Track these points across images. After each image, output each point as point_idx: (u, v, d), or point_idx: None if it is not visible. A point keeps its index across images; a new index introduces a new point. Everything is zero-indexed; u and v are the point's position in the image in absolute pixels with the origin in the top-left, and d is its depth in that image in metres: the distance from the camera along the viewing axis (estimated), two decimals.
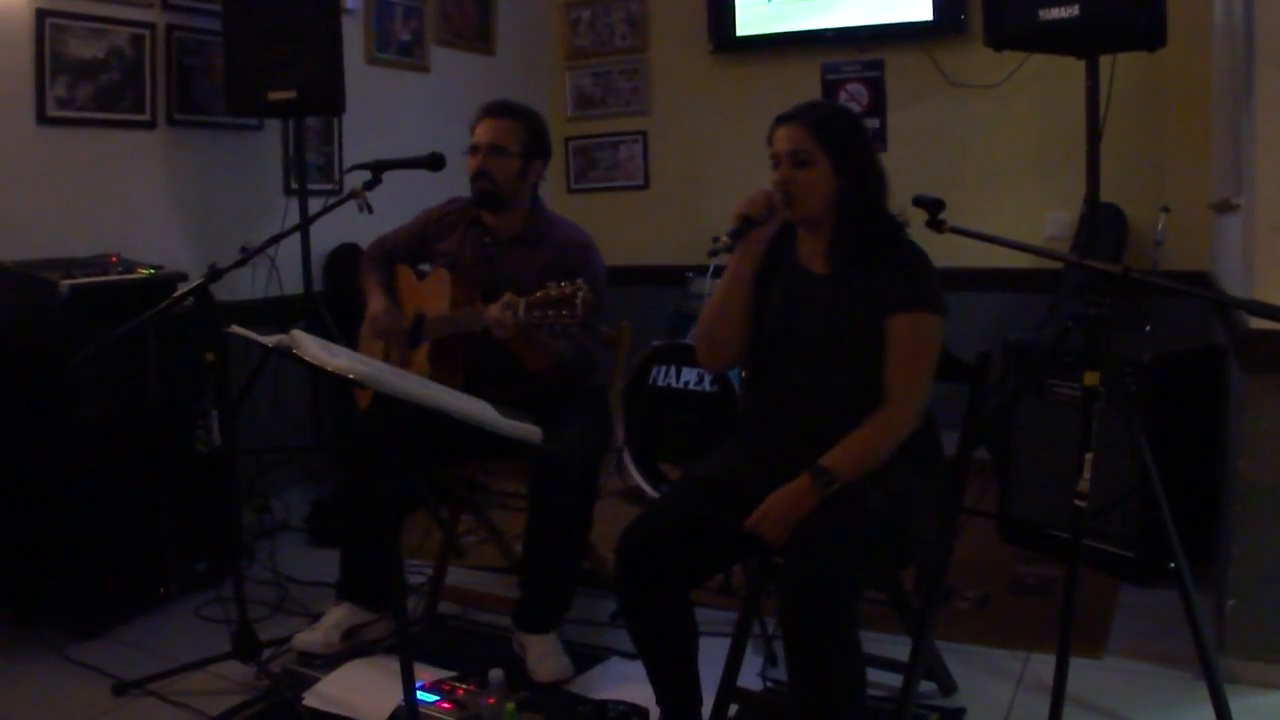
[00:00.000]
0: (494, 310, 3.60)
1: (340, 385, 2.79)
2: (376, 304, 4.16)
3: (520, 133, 4.08)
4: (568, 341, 3.86)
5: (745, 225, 3.03)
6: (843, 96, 6.78)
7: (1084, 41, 3.98)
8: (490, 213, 4.12)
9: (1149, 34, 3.94)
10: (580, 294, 3.41)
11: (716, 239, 3.03)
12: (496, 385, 3.68)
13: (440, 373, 3.89)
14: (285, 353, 2.81)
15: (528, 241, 4.10)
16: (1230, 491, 3.71)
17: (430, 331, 3.99)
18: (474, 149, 4.07)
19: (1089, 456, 3.04)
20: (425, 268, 4.27)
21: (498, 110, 4.11)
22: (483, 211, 4.14)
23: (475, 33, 7.16)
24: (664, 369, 5.68)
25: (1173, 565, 3.17)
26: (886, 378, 2.99)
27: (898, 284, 3.01)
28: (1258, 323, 3.31)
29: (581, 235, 4.15)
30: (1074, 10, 3.85)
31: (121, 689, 3.72)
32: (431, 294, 4.07)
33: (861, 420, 2.96)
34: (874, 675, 3.19)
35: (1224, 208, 4.56)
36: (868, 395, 3.00)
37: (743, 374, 3.41)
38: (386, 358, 4.11)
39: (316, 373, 2.81)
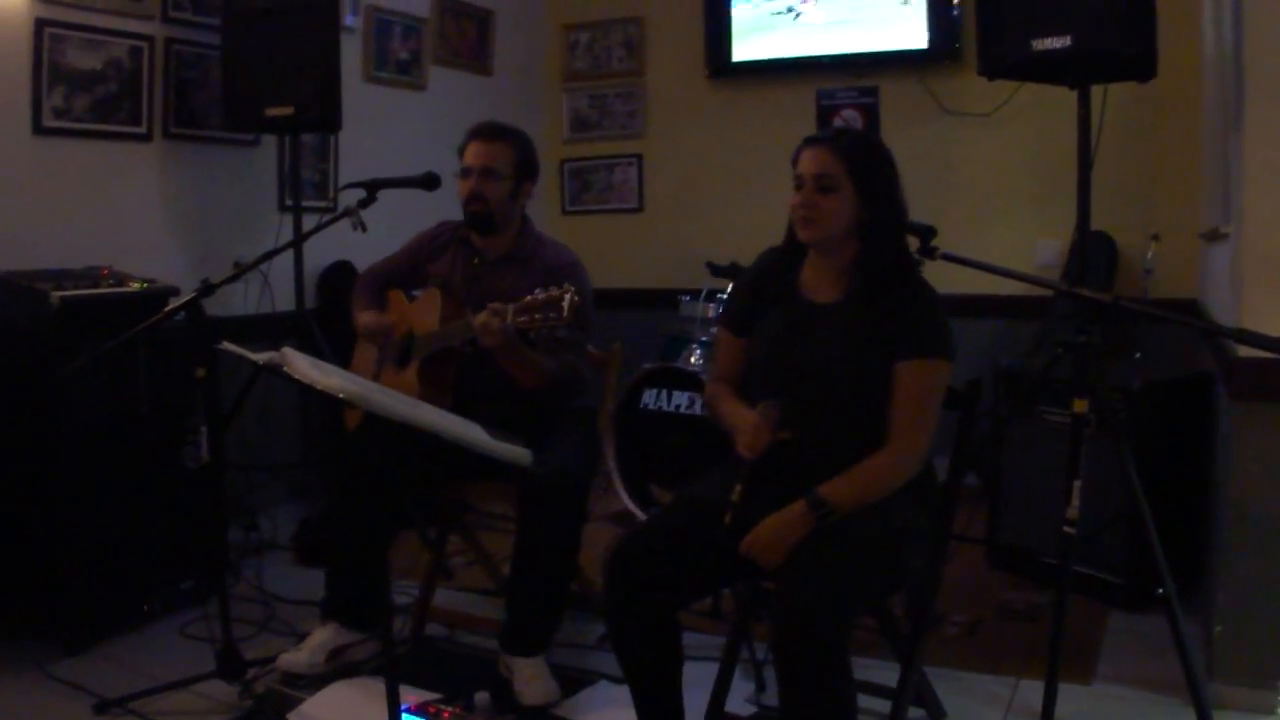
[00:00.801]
0: (482, 316, 3.60)
1: (330, 404, 2.79)
2: (365, 315, 4.18)
3: (511, 154, 4.09)
4: (556, 360, 3.86)
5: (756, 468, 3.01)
6: (837, 122, 6.80)
7: (1076, 72, 3.99)
8: (481, 234, 4.13)
9: (1140, 65, 3.95)
10: (568, 297, 3.40)
11: (729, 300, 3.09)
12: (487, 405, 3.67)
13: (430, 391, 3.88)
14: (276, 370, 2.80)
15: (517, 260, 4.11)
16: (1218, 518, 3.72)
17: (420, 348, 3.99)
18: (466, 172, 4.08)
19: (1077, 484, 3.05)
20: (417, 293, 4.27)
21: (488, 133, 4.12)
22: (473, 232, 4.14)
23: (473, 53, 7.19)
24: (655, 392, 5.68)
25: (1161, 591, 3.18)
26: (893, 420, 2.98)
27: (909, 327, 2.99)
28: (1246, 351, 3.32)
29: (569, 255, 4.16)
30: (1066, 41, 3.86)
31: (103, 707, 3.69)
32: (422, 312, 4.07)
33: (859, 452, 2.95)
34: (863, 701, 3.18)
35: (1213, 236, 4.58)
36: (866, 429, 2.99)
37: None
38: (377, 377, 4.11)
39: (307, 390, 2.80)
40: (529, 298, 3.49)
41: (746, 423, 3.03)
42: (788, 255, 3.22)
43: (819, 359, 3.04)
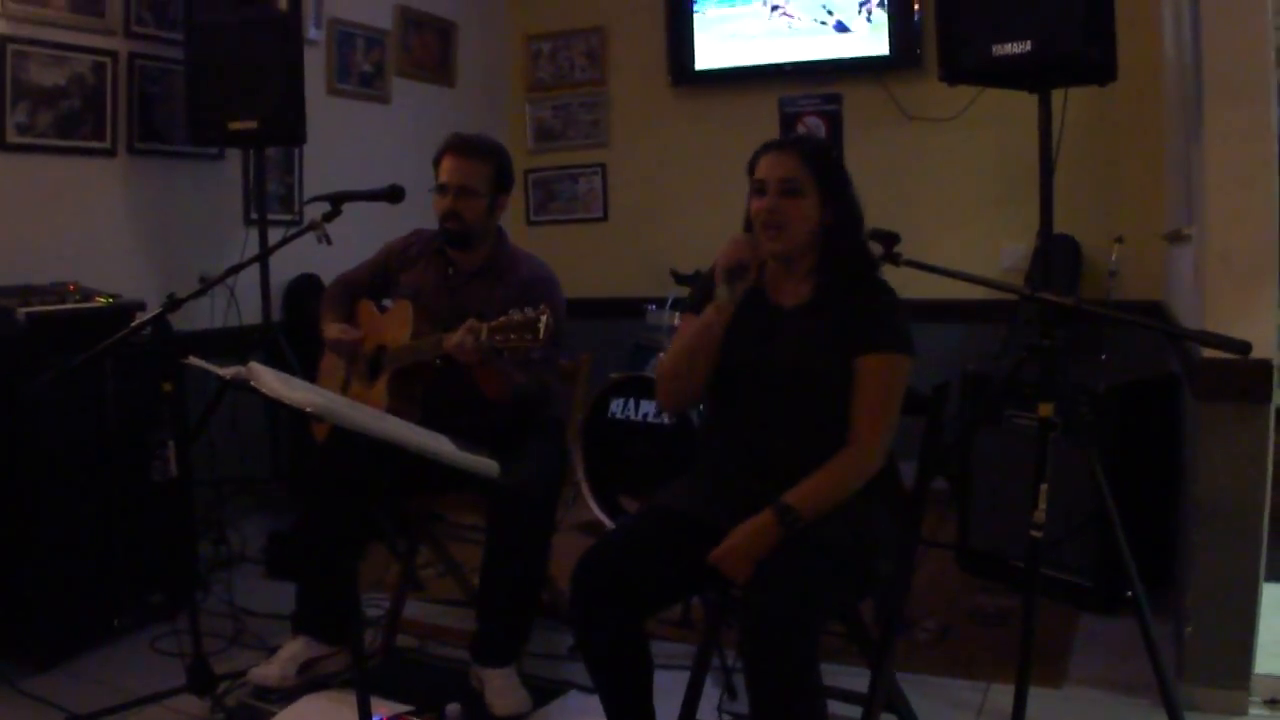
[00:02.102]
0: (457, 335, 3.60)
1: (298, 417, 2.79)
2: (333, 329, 4.16)
3: (488, 171, 4.08)
4: (526, 374, 3.86)
5: (738, 274, 3.04)
6: (800, 130, 6.82)
7: (1036, 76, 4.01)
8: (458, 249, 4.13)
9: (1100, 69, 3.97)
10: (543, 319, 3.41)
11: (694, 289, 3.09)
12: (455, 417, 3.67)
13: (399, 404, 3.88)
14: (242, 385, 2.79)
15: (491, 275, 4.11)
16: (1186, 518, 3.74)
17: (391, 361, 3.98)
18: (442, 189, 4.07)
19: (1044, 487, 3.07)
20: (387, 303, 4.26)
21: (465, 149, 4.10)
22: (448, 247, 4.14)
23: (436, 65, 7.18)
24: (623, 401, 5.69)
25: (1130, 593, 3.20)
26: (853, 417, 2.99)
27: (869, 324, 3.02)
28: (1210, 352, 3.34)
29: (544, 270, 4.15)
30: (1026, 46, 3.88)
31: None
32: (393, 326, 4.06)
33: (824, 456, 2.96)
34: (834, 708, 3.18)
35: (1176, 238, 4.62)
36: (831, 431, 3.00)
37: (701, 405, 3.40)
38: (345, 389, 4.10)
39: (274, 405, 2.80)
40: (504, 318, 3.49)
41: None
42: None
43: (784, 363, 3.06)
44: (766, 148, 3.14)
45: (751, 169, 3.15)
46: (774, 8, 6.81)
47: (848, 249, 3.11)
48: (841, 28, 6.66)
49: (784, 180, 3.06)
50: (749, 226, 3.15)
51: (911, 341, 3.05)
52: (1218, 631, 3.57)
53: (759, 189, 3.10)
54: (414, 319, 3.97)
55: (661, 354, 5.57)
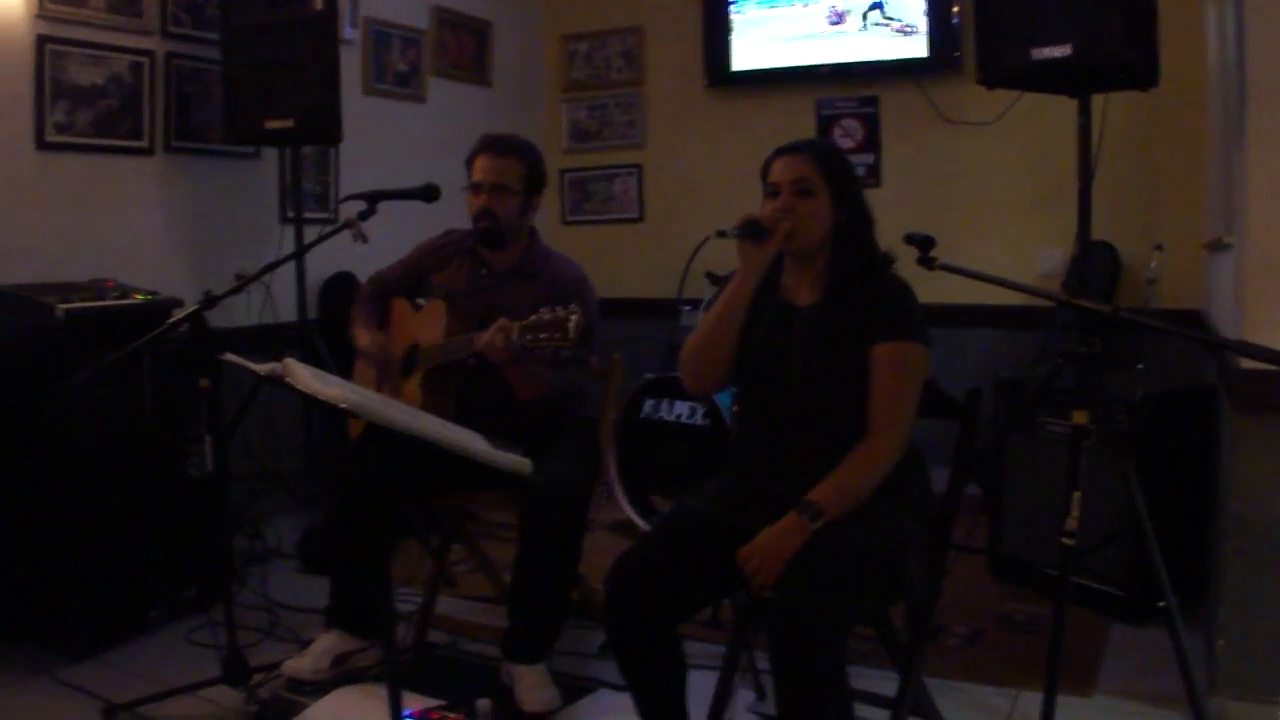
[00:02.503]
0: (487, 334, 3.61)
1: (333, 413, 2.81)
2: (363, 338, 4.18)
3: (521, 169, 4.10)
4: (558, 374, 3.87)
5: (753, 228, 3.06)
6: (837, 132, 6.81)
7: (1076, 80, 4.00)
8: (491, 249, 4.14)
9: (1142, 73, 3.95)
10: (574, 319, 3.42)
11: (722, 231, 3.08)
12: (488, 416, 3.69)
13: (432, 402, 3.90)
14: (278, 381, 2.81)
15: (524, 274, 4.12)
16: (1221, 530, 3.71)
17: (424, 360, 4.00)
18: (476, 187, 4.08)
19: (1077, 495, 3.04)
20: (421, 301, 4.28)
21: (498, 148, 4.12)
22: (482, 246, 4.15)
23: (472, 64, 7.20)
24: (656, 402, 5.69)
25: (1163, 604, 3.18)
26: (871, 407, 3.00)
27: (881, 314, 3.03)
28: (1248, 363, 3.31)
29: (576, 270, 4.17)
30: (1067, 50, 3.86)
31: (111, 712, 3.71)
32: (426, 324, 4.08)
33: (847, 450, 2.97)
34: (862, 711, 3.17)
35: (1217, 246, 4.58)
36: (853, 427, 3.00)
37: (734, 408, 3.41)
38: (379, 387, 4.12)
39: (309, 401, 2.81)
40: (535, 317, 3.51)
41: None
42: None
43: (802, 361, 3.07)
44: (779, 151, 3.18)
45: (765, 173, 3.19)
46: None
47: (859, 248, 3.13)
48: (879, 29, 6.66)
49: (796, 181, 3.09)
50: None
51: (926, 330, 3.06)
52: (1250, 645, 3.53)
53: (773, 191, 3.14)
54: (447, 318, 3.98)
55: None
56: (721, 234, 3.09)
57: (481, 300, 4.08)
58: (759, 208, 3.16)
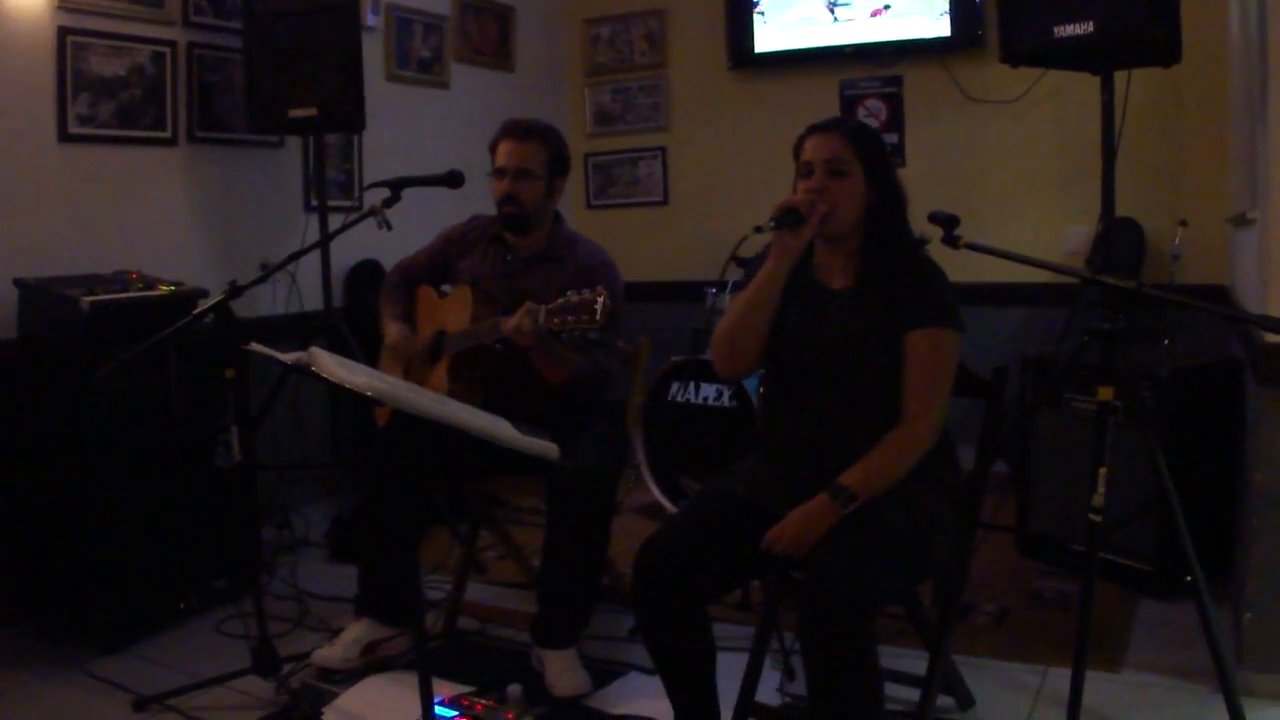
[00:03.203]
0: (514, 318, 3.62)
1: (359, 401, 2.82)
2: (393, 333, 4.19)
3: (544, 153, 4.11)
4: (586, 357, 3.87)
5: (790, 216, 3.03)
6: (861, 112, 6.80)
7: (1099, 57, 3.99)
8: (516, 233, 4.15)
9: (1164, 50, 3.94)
10: (600, 301, 3.43)
11: (759, 228, 3.02)
12: (515, 401, 3.70)
13: (459, 388, 3.91)
14: (304, 370, 2.82)
15: (549, 259, 4.13)
16: (1247, 505, 3.70)
17: (450, 346, 4.01)
18: (499, 172, 4.09)
19: (1103, 471, 3.04)
20: (447, 288, 4.29)
21: (520, 132, 4.12)
22: (507, 231, 4.16)
23: (495, 50, 7.20)
24: (683, 384, 5.69)
25: (1189, 579, 3.17)
26: (905, 394, 2.99)
27: (916, 300, 3.01)
28: (1273, 337, 3.30)
29: (602, 254, 4.17)
30: (1089, 27, 3.86)
31: (142, 704, 3.73)
32: (453, 310, 4.09)
33: (878, 434, 2.96)
34: (891, 690, 3.19)
35: (1241, 222, 4.56)
36: (885, 411, 3.00)
37: (761, 389, 3.40)
38: (407, 374, 4.13)
39: (335, 389, 2.82)
40: (561, 300, 3.51)
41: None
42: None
43: (835, 344, 3.06)
44: (812, 130, 3.15)
45: (797, 152, 3.16)
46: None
47: (892, 229, 3.11)
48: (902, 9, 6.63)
49: (830, 161, 3.06)
50: None
51: (960, 316, 3.04)
52: (1277, 618, 3.53)
53: (805, 171, 3.11)
54: (473, 303, 3.99)
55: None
56: (759, 229, 3.05)
57: (507, 285, 4.09)
58: (789, 188, 3.15)
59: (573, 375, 3.88)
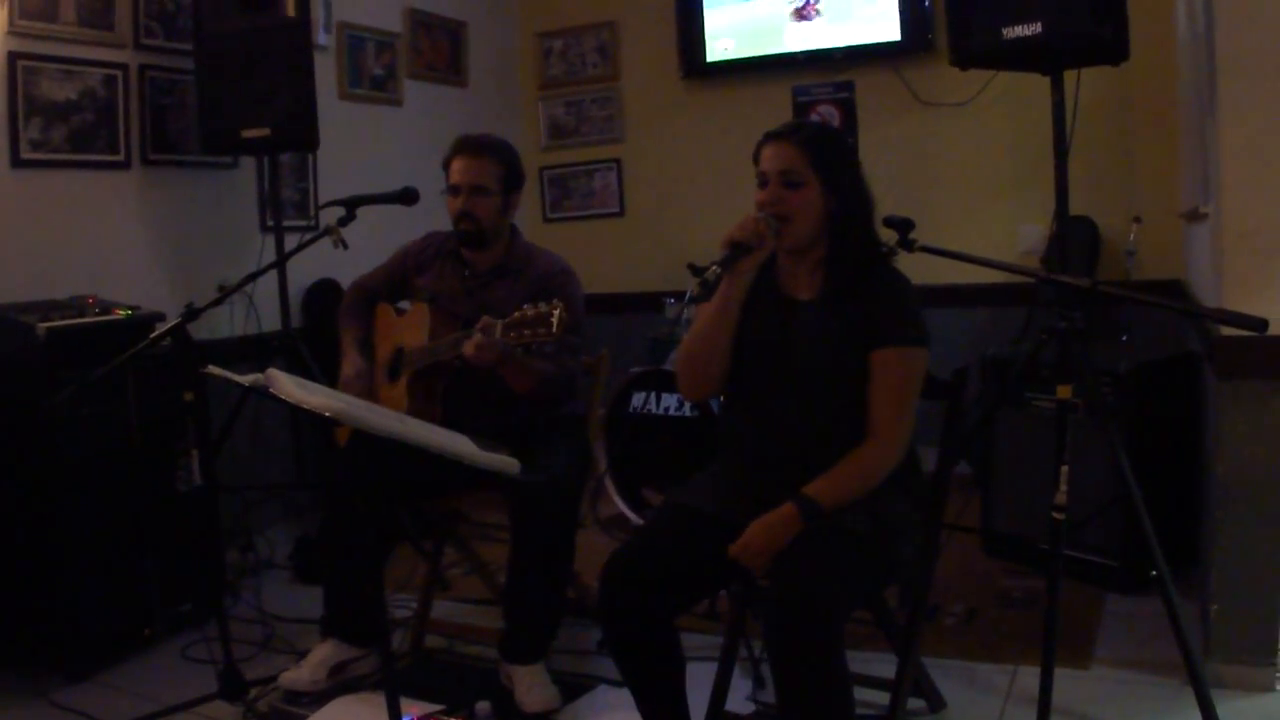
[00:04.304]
0: (471, 341, 3.61)
1: (320, 421, 2.80)
2: (349, 367, 4.18)
3: (498, 169, 4.10)
4: (548, 362, 3.87)
5: (737, 251, 2.98)
6: (814, 118, 6.81)
7: (1048, 58, 4.01)
8: (473, 249, 4.14)
9: (1112, 48, 3.97)
10: (556, 313, 3.42)
11: (702, 272, 2.89)
12: (476, 416, 3.70)
13: (419, 405, 3.90)
14: (262, 392, 2.81)
15: (508, 272, 4.12)
16: (1209, 496, 3.73)
17: (409, 363, 3.99)
18: (454, 189, 4.08)
19: (1065, 469, 3.06)
20: (404, 305, 4.28)
21: (473, 148, 4.11)
22: (464, 247, 4.15)
23: (447, 65, 7.20)
24: (644, 395, 5.68)
25: (1155, 573, 3.19)
26: (873, 411, 2.98)
27: (885, 317, 3.00)
28: (1229, 330, 3.32)
29: (559, 262, 4.17)
30: (1036, 28, 3.88)
31: None
32: (411, 328, 4.08)
33: (842, 447, 2.96)
34: (862, 694, 3.20)
35: (1194, 216, 4.60)
36: (850, 423, 3.00)
37: (721, 398, 3.39)
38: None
39: (296, 410, 2.81)
40: (518, 314, 3.51)
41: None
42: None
43: (801, 358, 3.05)
44: (767, 137, 3.12)
45: (756, 159, 3.13)
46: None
47: (857, 237, 3.09)
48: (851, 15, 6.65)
49: (784, 172, 3.04)
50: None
51: (927, 332, 3.04)
52: (1243, 609, 3.56)
53: (762, 181, 3.09)
54: (431, 321, 3.98)
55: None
56: (705, 285, 2.94)
57: (466, 301, 4.08)
58: (746, 196, 3.13)
59: (539, 383, 3.87)
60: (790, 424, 3.05)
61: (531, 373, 3.83)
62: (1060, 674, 3.23)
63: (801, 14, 6.80)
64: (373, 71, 6.61)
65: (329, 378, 4.37)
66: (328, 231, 3.86)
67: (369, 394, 4.10)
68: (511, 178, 4.14)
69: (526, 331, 3.47)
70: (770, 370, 3.10)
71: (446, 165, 4.13)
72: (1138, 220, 5.51)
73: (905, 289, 3.07)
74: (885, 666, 3.46)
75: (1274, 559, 3.51)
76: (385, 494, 3.91)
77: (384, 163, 6.35)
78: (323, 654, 3.96)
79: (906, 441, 3.01)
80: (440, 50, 7.13)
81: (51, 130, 4.86)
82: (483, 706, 3.52)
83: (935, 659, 3.81)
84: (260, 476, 5.58)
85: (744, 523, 2.92)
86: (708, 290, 3.02)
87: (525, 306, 3.50)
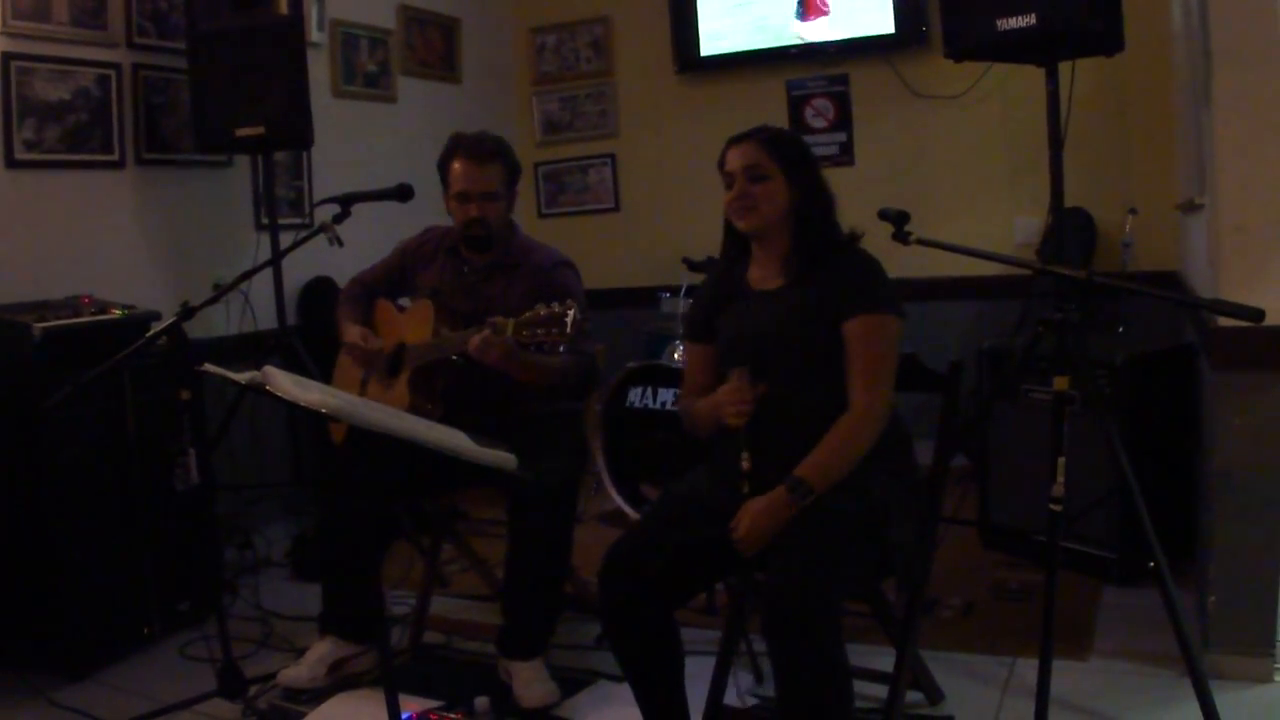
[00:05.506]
0: (479, 336, 3.60)
1: (316, 419, 2.80)
2: (353, 332, 4.16)
3: (502, 172, 4.10)
4: (563, 355, 3.86)
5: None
6: (809, 112, 6.82)
7: (1042, 49, 4.02)
8: (482, 252, 4.14)
9: (1107, 39, 3.98)
10: (570, 314, 3.42)
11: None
12: (476, 413, 3.69)
13: (420, 401, 3.89)
14: (259, 389, 2.81)
15: (507, 267, 4.12)
16: (1206, 487, 3.73)
17: (411, 359, 3.99)
18: (463, 196, 4.06)
19: (1062, 460, 3.06)
20: (404, 301, 4.27)
21: (479, 154, 4.07)
22: (468, 249, 4.15)
23: (441, 62, 7.19)
24: (640, 390, 5.68)
25: (1153, 565, 3.19)
26: (849, 382, 3.01)
27: (851, 289, 3.04)
28: (1225, 321, 3.32)
29: (557, 254, 4.18)
30: (1030, 19, 3.88)
31: None
32: (414, 323, 4.07)
33: (825, 425, 2.98)
34: (861, 687, 3.20)
35: (1189, 208, 4.59)
36: (831, 403, 3.01)
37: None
38: (364, 389, 4.11)
39: (292, 408, 2.81)
40: (531, 313, 3.49)
41: (724, 395, 3.08)
42: (731, 257, 3.33)
43: (767, 335, 3.09)
44: (730, 142, 3.24)
45: (721, 166, 3.23)
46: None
47: (819, 229, 3.16)
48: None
49: (749, 168, 3.14)
50: (728, 223, 3.26)
51: (897, 301, 3.07)
52: (1241, 600, 3.56)
53: (728, 182, 3.19)
54: (434, 316, 3.98)
55: (682, 355, 5.58)
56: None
57: (468, 297, 4.08)
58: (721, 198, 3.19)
59: (556, 377, 3.89)
60: (775, 409, 3.06)
61: (542, 370, 3.83)
62: (1058, 666, 3.22)
63: (807, 11, 6.78)
64: (366, 68, 6.61)
65: (325, 375, 4.37)
66: (323, 229, 3.86)
67: (374, 359, 4.11)
68: (513, 177, 4.15)
69: (540, 331, 3.47)
70: (740, 353, 3.14)
71: (445, 167, 4.11)
72: (1133, 212, 5.50)
73: (871, 265, 3.13)
74: (883, 659, 3.45)
75: (1271, 549, 3.51)
76: (383, 491, 3.90)
77: (378, 160, 6.33)
78: (321, 651, 3.95)
79: (885, 410, 3.02)
80: (434, 46, 7.13)
81: (45, 130, 4.85)
82: (481, 702, 3.52)
83: (933, 651, 3.81)
84: (257, 474, 5.57)
85: (736, 510, 2.94)
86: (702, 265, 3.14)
87: (538, 306, 3.49)
